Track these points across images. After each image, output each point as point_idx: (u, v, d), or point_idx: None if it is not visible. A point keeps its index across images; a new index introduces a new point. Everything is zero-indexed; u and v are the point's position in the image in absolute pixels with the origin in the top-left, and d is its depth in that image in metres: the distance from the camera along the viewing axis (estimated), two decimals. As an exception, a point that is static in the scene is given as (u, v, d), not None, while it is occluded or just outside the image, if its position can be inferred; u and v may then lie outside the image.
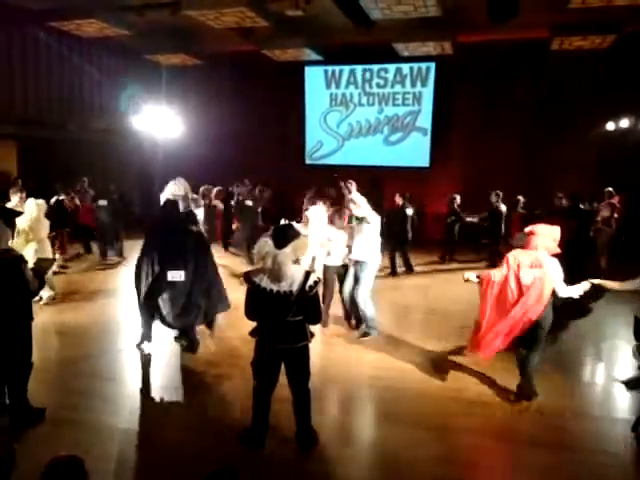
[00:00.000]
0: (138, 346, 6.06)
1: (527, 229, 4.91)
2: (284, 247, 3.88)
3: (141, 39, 12.35)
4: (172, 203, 6.20)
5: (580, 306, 5.87)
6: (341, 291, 6.85)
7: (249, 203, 11.25)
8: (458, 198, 11.43)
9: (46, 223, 7.75)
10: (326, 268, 6.81)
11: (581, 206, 9.86)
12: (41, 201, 7.74)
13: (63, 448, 2.69)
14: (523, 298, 4.68)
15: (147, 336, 6.05)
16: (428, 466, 3.96)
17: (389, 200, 12.52)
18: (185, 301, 5.75)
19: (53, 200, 9.84)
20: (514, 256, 4.79)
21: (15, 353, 4.27)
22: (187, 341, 6.09)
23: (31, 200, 7.58)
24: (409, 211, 10.39)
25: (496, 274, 4.85)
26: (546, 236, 4.75)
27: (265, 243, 3.94)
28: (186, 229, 5.98)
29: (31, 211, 7.42)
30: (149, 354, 5.96)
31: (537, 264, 4.66)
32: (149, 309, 5.87)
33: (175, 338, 6.22)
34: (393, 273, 10.17)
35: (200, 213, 9.12)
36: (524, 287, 4.68)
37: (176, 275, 5.69)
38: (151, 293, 5.74)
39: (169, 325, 5.93)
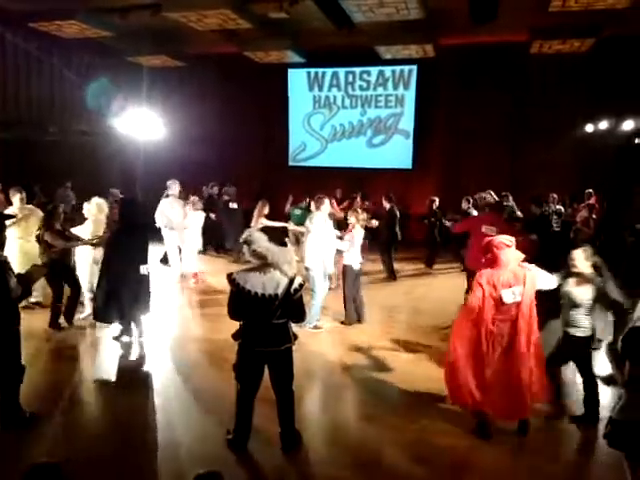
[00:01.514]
0: (117, 338, 6.23)
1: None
2: (284, 245, 3.92)
3: (122, 40, 12.25)
4: (134, 201, 6.39)
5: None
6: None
7: (234, 206, 11.25)
8: (437, 200, 11.47)
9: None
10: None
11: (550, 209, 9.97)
12: (102, 201, 7.48)
13: (50, 452, 2.66)
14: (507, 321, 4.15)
15: (126, 330, 6.25)
16: (412, 467, 3.97)
17: (374, 203, 12.59)
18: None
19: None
20: (486, 277, 4.17)
21: (3, 358, 4.23)
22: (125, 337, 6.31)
23: (93, 200, 7.32)
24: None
25: (476, 305, 4.16)
26: (513, 245, 4.25)
27: (263, 239, 3.92)
28: (150, 224, 6.45)
29: (93, 213, 7.19)
30: (129, 344, 6.16)
31: (515, 282, 4.14)
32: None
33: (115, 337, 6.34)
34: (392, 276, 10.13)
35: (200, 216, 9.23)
36: (505, 306, 4.13)
37: (144, 269, 6.12)
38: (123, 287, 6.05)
39: (130, 317, 6.23)
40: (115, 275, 6.04)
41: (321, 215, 6.97)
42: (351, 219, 7.04)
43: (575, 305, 4.44)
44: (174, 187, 9.13)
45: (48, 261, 6.35)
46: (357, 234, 6.93)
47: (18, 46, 11.89)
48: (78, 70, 13.51)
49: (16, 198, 7.49)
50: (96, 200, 7.38)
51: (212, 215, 10.83)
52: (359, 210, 7.17)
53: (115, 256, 6.09)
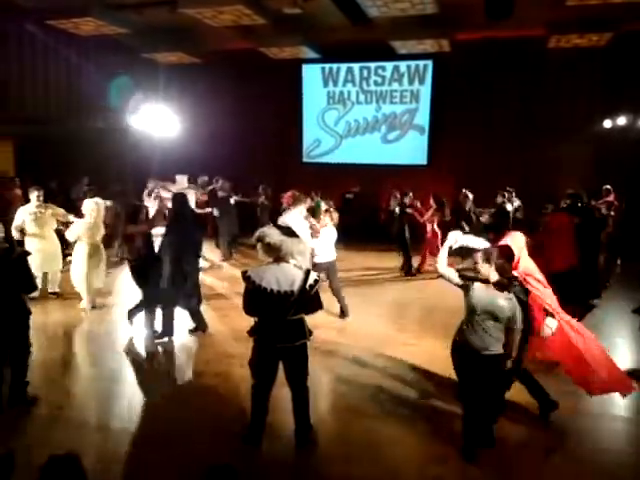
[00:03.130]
0: (160, 337, 6.28)
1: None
2: (296, 237, 3.97)
3: (138, 37, 12.33)
4: (183, 196, 6.65)
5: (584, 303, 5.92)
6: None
7: (232, 201, 11.33)
8: (470, 196, 10.99)
9: (102, 225, 7.65)
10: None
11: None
12: (101, 201, 7.68)
13: (61, 448, 2.69)
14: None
15: (170, 331, 6.34)
16: (425, 465, 3.96)
17: (387, 200, 12.59)
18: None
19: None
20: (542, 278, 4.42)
21: (18, 344, 4.55)
22: (197, 321, 6.56)
23: (90, 201, 7.50)
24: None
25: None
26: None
27: (276, 233, 3.95)
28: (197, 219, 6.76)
29: (91, 212, 7.35)
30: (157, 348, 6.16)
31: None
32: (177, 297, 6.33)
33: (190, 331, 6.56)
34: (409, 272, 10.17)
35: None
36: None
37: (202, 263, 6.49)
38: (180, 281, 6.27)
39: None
40: (171, 266, 6.20)
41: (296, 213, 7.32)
42: (326, 219, 7.43)
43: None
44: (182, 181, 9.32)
45: (135, 260, 6.28)
46: (329, 233, 7.34)
47: (36, 43, 12.01)
48: (95, 67, 13.60)
49: (33, 196, 7.64)
50: (96, 200, 7.58)
51: (215, 211, 10.90)
52: (332, 210, 7.65)
53: (167, 249, 6.24)
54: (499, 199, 10.68)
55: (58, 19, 10.92)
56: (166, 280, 6.13)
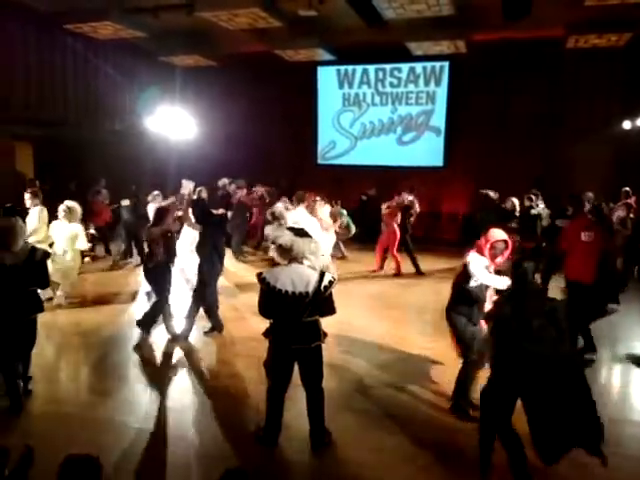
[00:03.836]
0: (177, 340, 6.30)
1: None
2: (307, 237, 4.00)
3: (156, 41, 12.45)
4: (202, 202, 6.98)
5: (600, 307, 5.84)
6: None
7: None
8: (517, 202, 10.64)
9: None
10: None
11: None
12: (75, 204, 7.70)
13: (78, 447, 2.71)
14: None
15: (188, 332, 6.41)
16: (440, 469, 3.93)
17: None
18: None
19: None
20: None
21: (27, 338, 4.73)
22: (214, 322, 6.60)
23: (65, 202, 7.62)
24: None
25: None
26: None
27: (287, 234, 3.99)
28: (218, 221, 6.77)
29: (64, 216, 7.48)
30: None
31: None
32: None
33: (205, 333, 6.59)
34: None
35: None
36: None
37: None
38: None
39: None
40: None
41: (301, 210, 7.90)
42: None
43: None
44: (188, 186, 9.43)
45: (153, 265, 6.22)
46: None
47: (54, 47, 12.17)
48: (113, 70, 13.75)
49: (27, 197, 7.69)
50: (67, 203, 7.55)
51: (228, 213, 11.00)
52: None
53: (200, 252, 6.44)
54: (526, 202, 10.56)
55: (76, 23, 11.08)
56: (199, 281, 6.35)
